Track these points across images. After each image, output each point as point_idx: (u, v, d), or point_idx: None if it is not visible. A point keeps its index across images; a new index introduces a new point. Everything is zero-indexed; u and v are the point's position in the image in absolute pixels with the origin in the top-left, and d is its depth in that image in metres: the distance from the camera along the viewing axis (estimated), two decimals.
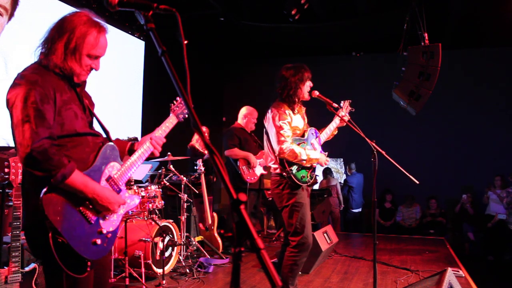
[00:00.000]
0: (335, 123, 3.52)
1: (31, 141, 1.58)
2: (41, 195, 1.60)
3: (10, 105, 1.67)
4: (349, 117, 3.50)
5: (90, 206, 1.75)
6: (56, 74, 1.75)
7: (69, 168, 1.63)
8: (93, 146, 1.84)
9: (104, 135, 1.98)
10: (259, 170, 5.27)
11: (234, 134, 5.28)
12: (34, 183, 1.65)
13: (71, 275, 1.65)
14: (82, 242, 1.67)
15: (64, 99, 1.74)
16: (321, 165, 3.39)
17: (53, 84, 1.71)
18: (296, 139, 3.26)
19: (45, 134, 1.62)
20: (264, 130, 3.35)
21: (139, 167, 2.04)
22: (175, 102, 2.24)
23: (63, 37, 1.73)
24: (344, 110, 3.53)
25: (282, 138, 3.12)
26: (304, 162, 3.19)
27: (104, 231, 1.78)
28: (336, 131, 3.60)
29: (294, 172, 3.16)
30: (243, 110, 5.51)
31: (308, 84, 3.31)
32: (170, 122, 2.18)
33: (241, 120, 5.48)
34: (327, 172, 8.63)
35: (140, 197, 4.15)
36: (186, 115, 2.21)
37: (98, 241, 1.73)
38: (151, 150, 2.06)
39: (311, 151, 3.27)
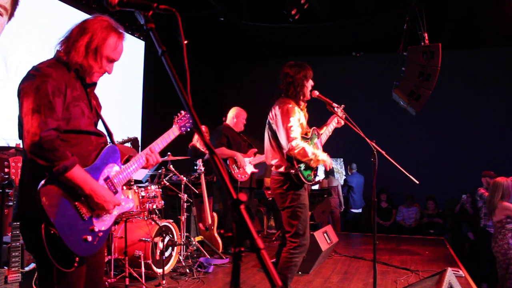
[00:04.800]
0: (333, 125, 3.49)
1: (39, 129, 1.62)
2: (39, 186, 1.63)
3: (22, 94, 1.70)
4: (345, 120, 3.48)
5: (86, 203, 1.77)
6: (71, 71, 1.81)
7: (72, 161, 1.67)
8: (96, 145, 1.89)
9: (108, 137, 2.01)
10: (249, 169, 5.24)
11: (222, 133, 5.27)
12: (34, 174, 1.68)
13: (59, 269, 1.67)
14: (73, 236, 1.69)
15: (74, 95, 1.79)
16: (326, 168, 3.31)
17: (66, 79, 1.77)
18: (301, 137, 3.22)
19: (53, 125, 1.67)
20: (267, 127, 3.29)
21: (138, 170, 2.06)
22: (179, 114, 2.26)
23: (84, 37, 1.80)
24: (340, 114, 3.50)
25: (293, 135, 3.06)
26: (312, 162, 3.15)
27: (96, 229, 1.80)
28: (331, 132, 3.60)
29: (302, 169, 3.12)
30: (234, 111, 5.49)
31: (311, 83, 3.31)
32: (172, 133, 2.20)
33: (230, 120, 5.46)
34: (330, 172, 8.61)
35: (140, 197, 4.15)
36: (189, 129, 2.24)
37: (89, 238, 1.76)
38: (145, 162, 2.10)
39: (319, 151, 3.24)
